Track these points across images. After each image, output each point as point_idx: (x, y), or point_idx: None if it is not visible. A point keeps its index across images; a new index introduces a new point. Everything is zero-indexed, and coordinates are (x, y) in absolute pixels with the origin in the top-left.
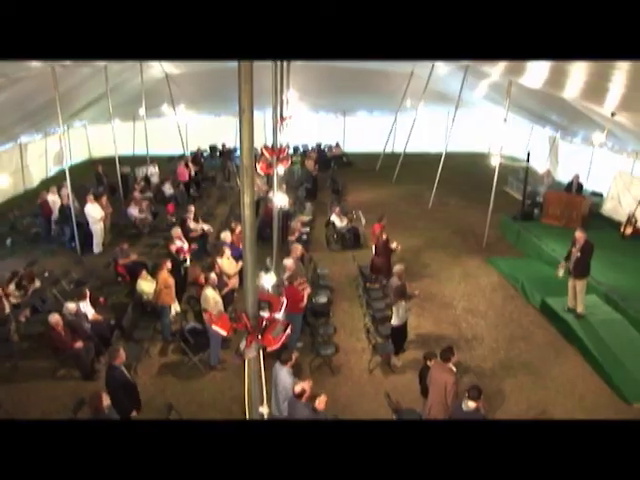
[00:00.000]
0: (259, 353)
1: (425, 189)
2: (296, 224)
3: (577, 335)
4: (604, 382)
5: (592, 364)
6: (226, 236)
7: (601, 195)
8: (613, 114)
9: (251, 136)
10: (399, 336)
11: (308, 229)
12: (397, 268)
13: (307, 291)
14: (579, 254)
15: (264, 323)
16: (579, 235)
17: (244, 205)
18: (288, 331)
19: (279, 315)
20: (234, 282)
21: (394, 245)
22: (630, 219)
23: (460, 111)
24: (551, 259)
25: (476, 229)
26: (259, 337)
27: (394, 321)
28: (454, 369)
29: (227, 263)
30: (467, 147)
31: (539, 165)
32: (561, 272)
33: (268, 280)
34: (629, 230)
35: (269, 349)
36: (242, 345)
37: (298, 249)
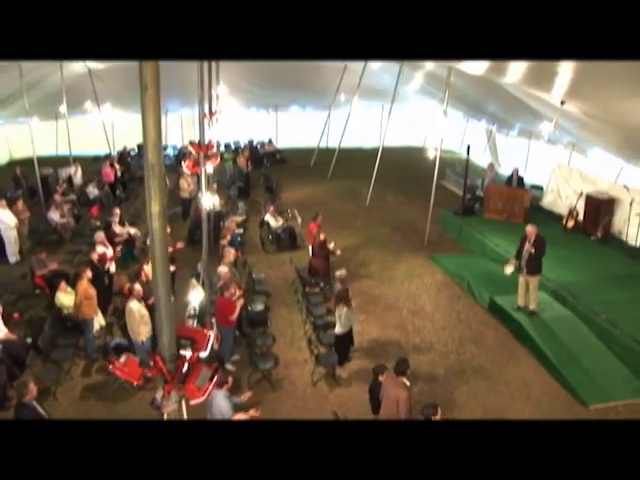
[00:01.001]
0: (181, 404)
1: (362, 185)
2: (229, 225)
3: (529, 335)
4: (560, 384)
5: (546, 366)
6: None
7: (541, 188)
8: (563, 102)
9: (158, 124)
10: (343, 345)
11: (242, 230)
12: (339, 273)
13: (240, 302)
14: (533, 250)
15: (185, 367)
16: (530, 230)
17: (151, 216)
18: (215, 379)
19: (204, 354)
20: None
21: (332, 247)
22: (572, 212)
23: (395, 105)
24: (495, 255)
25: (417, 225)
26: (179, 386)
27: (338, 329)
28: (408, 383)
29: None
30: (403, 141)
31: (480, 159)
32: (510, 269)
33: (195, 296)
34: (571, 223)
35: (193, 402)
36: (158, 395)
37: (231, 253)
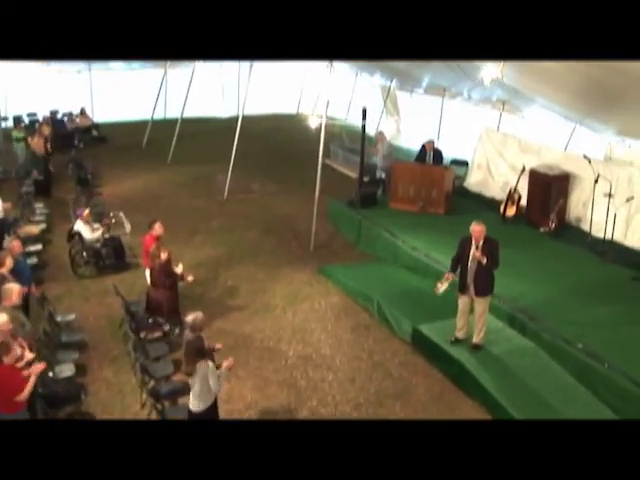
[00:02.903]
0: None
1: (216, 170)
2: (11, 245)
3: (476, 381)
4: None
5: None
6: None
7: (465, 163)
8: None
9: None
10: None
11: (40, 246)
12: (192, 318)
13: (36, 369)
14: (484, 260)
15: None
16: (477, 230)
17: None
18: None
19: None
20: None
21: (180, 271)
22: (511, 195)
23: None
24: (412, 262)
25: (298, 224)
26: None
27: (193, 404)
28: None
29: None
30: (271, 108)
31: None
32: (443, 288)
33: None
34: (511, 211)
35: None
36: None
37: (13, 291)
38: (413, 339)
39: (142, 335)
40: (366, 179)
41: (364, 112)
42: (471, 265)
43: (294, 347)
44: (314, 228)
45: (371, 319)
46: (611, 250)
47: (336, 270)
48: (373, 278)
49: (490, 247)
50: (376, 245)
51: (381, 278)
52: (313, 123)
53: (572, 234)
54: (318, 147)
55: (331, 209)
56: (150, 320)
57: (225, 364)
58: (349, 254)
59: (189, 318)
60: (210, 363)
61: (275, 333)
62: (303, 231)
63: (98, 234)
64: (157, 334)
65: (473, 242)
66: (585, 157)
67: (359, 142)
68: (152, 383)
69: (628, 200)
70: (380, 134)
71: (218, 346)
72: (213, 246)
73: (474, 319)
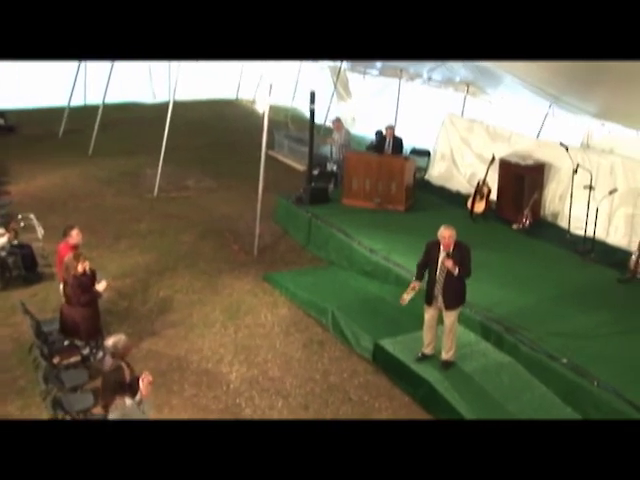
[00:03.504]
0: None
1: (145, 164)
2: None
3: (448, 404)
4: None
5: None
6: None
7: (427, 153)
8: None
9: None
10: None
11: None
12: (112, 341)
13: None
14: (456, 270)
15: None
16: (447, 235)
17: None
18: None
19: None
20: None
21: (102, 286)
22: (480, 189)
23: None
24: (371, 266)
25: (239, 225)
26: None
27: None
28: None
29: None
30: (207, 93)
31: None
32: (409, 298)
33: None
34: (480, 206)
35: None
36: None
37: None
38: (374, 356)
39: (56, 361)
40: (316, 172)
41: (312, 95)
42: (440, 274)
43: (237, 369)
44: (258, 229)
45: (325, 334)
46: (593, 249)
47: (284, 277)
48: (326, 286)
49: (461, 254)
50: (329, 248)
51: (335, 286)
52: (260, 108)
53: (549, 231)
54: (261, 137)
55: (277, 207)
56: (66, 343)
57: (142, 386)
58: (298, 259)
59: (109, 342)
60: (129, 401)
61: (215, 353)
62: (245, 233)
63: (3, 240)
64: (74, 359)
65: (442, 248)
66: (562, 145)
67: (307, 130)
68: (67, 419)
69: (611, 193)
70: (337, 121)
71: (146, 378)
72: (142, 252)
73: (443, 332)
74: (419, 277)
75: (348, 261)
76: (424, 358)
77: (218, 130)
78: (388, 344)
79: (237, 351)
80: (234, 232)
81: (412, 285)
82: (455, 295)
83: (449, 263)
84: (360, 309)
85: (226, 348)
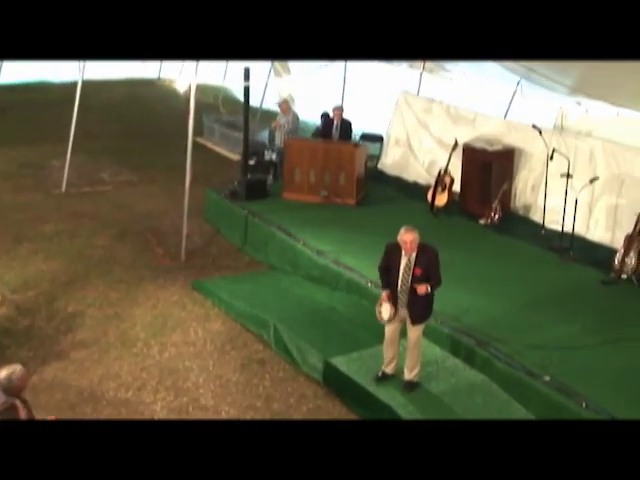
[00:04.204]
0: None
1: (51, 155)
2: None
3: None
4: None
5: None
6: None
7: (380, 138)
8: None
9: None
10: None
11: None
12: (5, 374)
13: None
14: (428, 289)
15: None
16: (409, 239)
17: None
18: None
19: None
20: None
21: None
22: (441, 179)
23: None
24: (318, 271)
25: (163, 225)
26: None
27: None
28: None
29: None
30: (120, 71)
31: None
32: (387, 313)
33: None
34: (442, 198)
35: None
36: None
37: None
38: (325, 377)
39: None
40: (252, 162)
41: (247, 72)
42: (403, 284)
43: (162, 397)
44: (185, 229)
45: (267, 351)
46: (572, 246)
47: (217, 285)
48: (267, 294)
49: (428, 259)
50: (269, 250)
51: (278, 294)
52: (180, 87)
53: (520, 227)
54: (187, 122)
55: (207, 203)
56: None
57: None
58: (234, 263)
59: (2, 375)
60: None
61: (135, 379)
62: (171, 234)
63: None
64: None
65: (403, 253)
66: (534, 127)
67: (241, 114)
68: None
69: (592, 181)
70: (284, 103)
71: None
72: (47, 259)
73: (406, 348)
74: (387, 284)
75: (292, 265)
76: (384, 378)
77: (137, 114)
78: (341, 362)
79: (162, 375)
80: (157, 233)
81: (383, 296)
82: (423, 308)
83: (422, 290)
84: (307, 321)
85: (149, 372)
